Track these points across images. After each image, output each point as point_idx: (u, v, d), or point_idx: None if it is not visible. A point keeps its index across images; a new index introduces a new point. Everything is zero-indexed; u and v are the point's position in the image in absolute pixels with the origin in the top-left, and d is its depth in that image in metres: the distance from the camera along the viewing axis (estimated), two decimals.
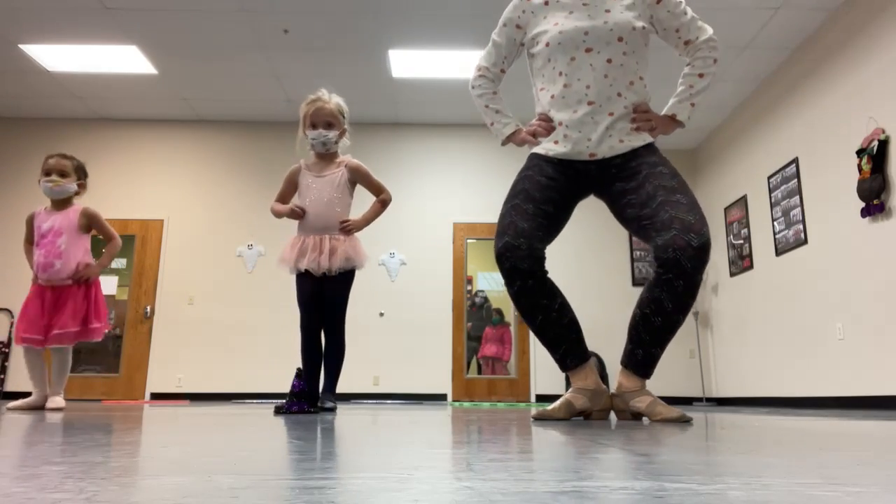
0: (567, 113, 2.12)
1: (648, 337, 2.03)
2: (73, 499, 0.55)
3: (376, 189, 3.25)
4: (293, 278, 3.13)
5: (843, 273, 4.87)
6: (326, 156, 3.17)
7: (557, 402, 2.13)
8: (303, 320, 3.07)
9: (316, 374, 3.06)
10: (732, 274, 6.68)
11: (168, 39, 5.74)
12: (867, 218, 4.59)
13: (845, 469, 0.80)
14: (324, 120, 3.07)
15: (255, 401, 6.19)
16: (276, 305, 6.73)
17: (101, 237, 3.52)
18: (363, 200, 3.29)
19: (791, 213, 5.59)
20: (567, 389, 2.25)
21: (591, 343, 5.85)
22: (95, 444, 1.12)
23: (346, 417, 2.38)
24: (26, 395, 3.59)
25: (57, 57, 6.03)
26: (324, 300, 3.05)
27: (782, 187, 5.76)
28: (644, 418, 2.11)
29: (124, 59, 6.06)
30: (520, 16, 2.24)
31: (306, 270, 3.01)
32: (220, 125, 7.45)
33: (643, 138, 2.12)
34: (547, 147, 2.16)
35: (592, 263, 7.14)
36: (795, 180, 5.53)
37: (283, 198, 3.20)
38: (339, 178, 3.13)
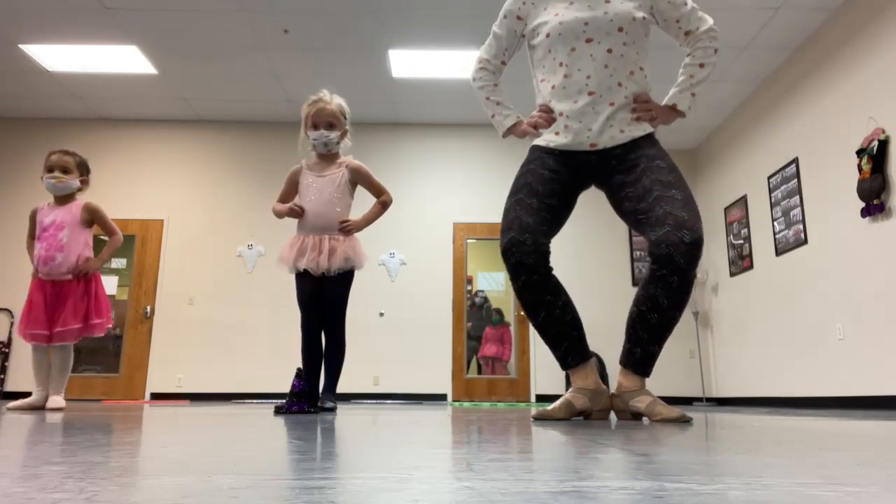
0: (568, 103, 2.12)
1: (646, 335, 2.03)
2: (73, 499, 0.55)
3: (377, 190, 3.25)
4: (293, 278, 3.13)
5: (843, 273, 4.87)
6: (328, 156, 3.17)
7: (557, 402, 2.13)
8: (303, 320, 3.07)
9: (316, 374, 3.06)
10: (732, 274, 6.68)
11: (168, 39, 5.74)
12: (867, 218, 4.59)
13: (845, 469, 0.80)
14: (325, 120, 3.08)
15: (255, 401, 6.19)
16: (276, 305, 6.73)
17: (103, 235, 3.52)
18: (364, 202, 3.29)
19: (791, 213, 5.59)
20: (567, 389, 2.25)
21: (591, 343, 5.83)
22: (95, 444, 1.12)
23: (346, 417, 2.38)
24: (26, 394, 3.59)
25: (57, 57, 6.03)
26: (323, 300, 3.05)
27: (782, 187, 5.76)
28: (644, 418, 2.11)
29: (124, 59, 6.06)
30: (520, 7, 2.24)
31: (305, 270, 3.01)
32: (220, 125, 7.45)
33: (644, 128, 2.13)
34: (548, 138, 2.16)
35: (592, 263, 7.14)
36: (795, 180, 5.54)
37: (285, 198, 3.20)
38: (339, 179, 3.13)
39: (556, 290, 2.09)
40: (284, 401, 2.84)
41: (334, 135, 3.10)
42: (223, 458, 0.90)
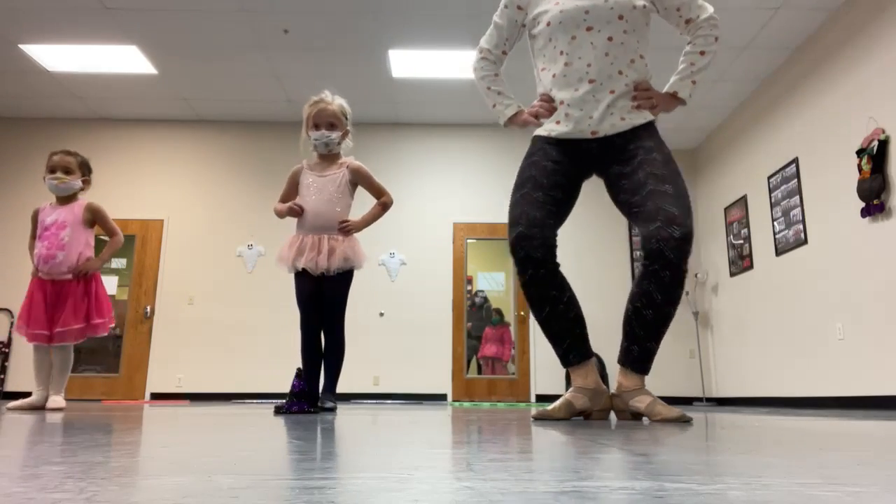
0: (568, 92, 2.13)
1: (642, 332, 2.04)
2: (73, 499, 0.55)
3: (377, 192, 3.25)
4: (293, 278, 3.13)
5: (843, 273, 4.87)
6: (328, 157, 3.18)
7: (557, 402, 2.13)
8: (302, 320, 3.07)
9: (316, 374, 3.06)
10: (732, 274, 6.68)
11: (168, 39, 5.74)
12: (867, 218, 4.59)
13: (845, 469, 0.80)
14: (326, 121, 3.08)
15: (255, 401, 6.19)
16: (276, 305, 6.73)
17: (103, 235, 3.53)
18: (364, 203, 3.29)
19: (791, 213, 5.59)
20: (567, 389, 2.25)
21: (592, 343, 5.83)
22: (95, 444, 1.12)
23: (346, 417, 2.38)
24: (26, 395, 3.59)
25: (57, 57, 6.03)
26: (323, 300, 3.05)
27: (782, 187, 5.76)
28: (644, 418, 2.11)
29: (124, 59, 6.06)
30: None
31: (305, 270, 3.01)
32: (220, 125, 7.45)
33: (644, 116, 2.13)
34: (549, 128, 2.18)
35: (592, 263, 7.14)
36: (795, 180, 5.54)
37: (286, 198, 3.20)
38: (340, 178, 3.13)
39: (562, 286, 2.11)
40: (284, 401, 2.84)
41: (335, 135, 3.11)
42: (223, 458, 0.90)
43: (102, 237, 3.53)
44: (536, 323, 2.21)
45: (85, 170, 3.51)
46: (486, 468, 0.79)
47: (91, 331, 3.35)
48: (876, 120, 4.54)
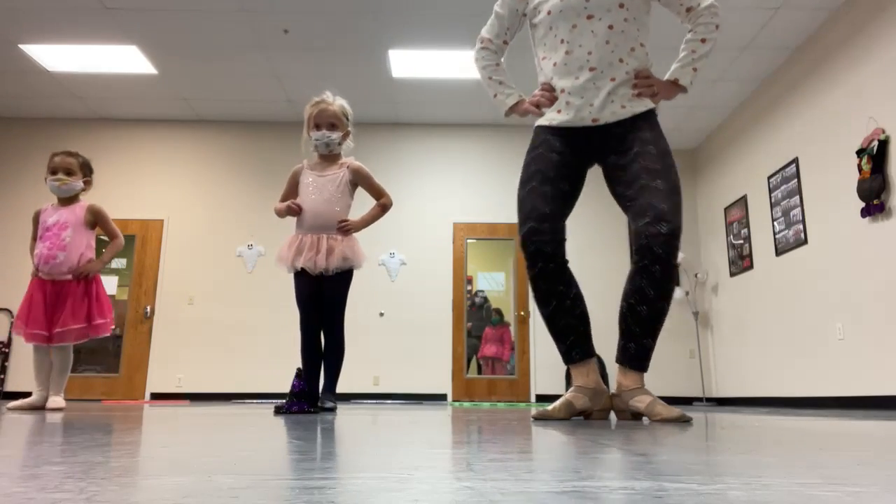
0: (569, 80, 2.14)
1: (638, 328, 2.06)
2: (73, 499, 0.55)
3: (377, 193, 3.26)
4: (293, 278, 3.13)
5: (843, 273, 4.87)
6: (329, 157, 3.19)
7: (557, 402, 2.13)
8: (302, 320, 3.07)
9: (316, 374, 3.05)
10: (732, 274, 6.68)
11: (168, 39, 5.74)
12: (867, 218, 4.59)
13: (845, 469, 0.80)
14: (327, 121, 3.09)
15: (255, 401, 6.19)
16: (276, 305, 6.72)
17: (102, 235, 3.53)
18: (364, 205, 3.29)
19: (791, 213, 5.59)
20: (567, 390, 2.25)
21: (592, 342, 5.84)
22: (95, 444, 1.12)
23: (346, 417, 2.38)
24: (26, 395, 3.59)
25: (57, 57, 6.03)
26: (322, 300, 3.05)
27: (782, 187, 5.76)
28: (644, 418, 2.11)
29: (124, 59, 6.06)
30: None
31: (304, 270, 3.01)
32: (220, 125, 7.45)
33: (645, 104, 2.14)
34: (550, 117, 2.19)
35: (593, 263, 7.13)
36: (795, 180, 5.53)
37: (286, 198, 3.20)
38: (340, 178, 3.14)
39: (569, 282, 2.14)
40: (284, 401, 2.84)
41: (336, 135, 3.11)
42: (223, 458, 0.90)
43: (102, 237, 3.54)
44: (541, 320, 2.22)
45: (86, 171, 3.52)
46: (486, 468, 0.79)
47: (94, 331, 3.35)
48: (876, 120, 4.54)
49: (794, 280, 5.53)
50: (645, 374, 2.12)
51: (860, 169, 4.60)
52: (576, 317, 2.13)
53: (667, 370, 6.83)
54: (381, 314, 6.93)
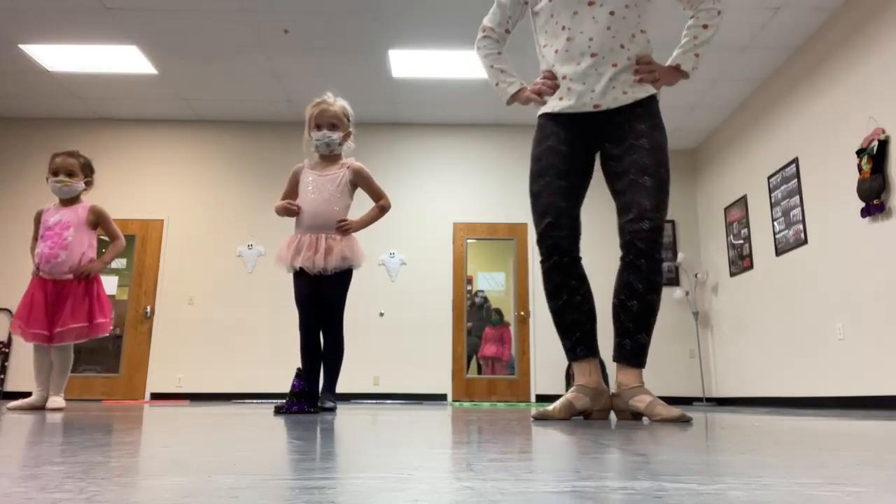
0: (571, 66, 2.15)
1: (631, 324, 2.08)
2: (73, 499, 0.55)
3: (376, 194, 3.26)
4: (292, 278, 3.13)
5: (843, 273, 4.87)
6: (329, 157, 3.19)
7: (558, 402, 2.13)
8: (301, 320, 3.07)
9: (315, 374, 3.05)
10: (732, 274, 6.68)
11: (168, 39, 5.74)
12: (867, 218, 4.59)
13: (845, 469, 0.80)
14: (328, 122, 3.10)
15: (255, 401, 6.19)
16: (276, 305, 6.72)
17: (103, 235, 3.54)
18: (363, 206, 3.29)
19: (791, 213, 5.59)
20: (567, 390, 2.25)
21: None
22: (95, 444, 1.12)
23: (346, 417, 2.38)
24: (26, 395, 3.59)
25: (57, 57, 6.03)
26: (321, 300, 3.05)
27: (782, 187, 5.76)
28: (644, 418, 2.11)
29: (124, 59, 6.06)
30: None
31: (303, 270, 3.01)
32: (220, 125, 7.45)
33: (647, 90, 2.15)
34: (553, 104, 2.20)
35: (592, 263, 7.12)
36: (795, 180, 5.53)
37: (287, 197, 3.20)
38: (340, 178, 3.14)
39: (581, 278, 2.18)
40: (284, 401, 2.84)
41: (336, 136, 3.12)
42: (223, 458, 0.90)
43: (102, 237, 3.55)
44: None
45: (87, 171, 3.53)
46: (486, 468, 0.79)
47: (92, 331, 3.35)
48: (876, 120, 4.54)
49: (794, 280, 5.53)
50: (645, 375, 2.12)
51: (860, 169, 4.60)
52: (584, 313, 2.16)
53: (667, 370, 6.83)
54: (381, 314, 6.93)
